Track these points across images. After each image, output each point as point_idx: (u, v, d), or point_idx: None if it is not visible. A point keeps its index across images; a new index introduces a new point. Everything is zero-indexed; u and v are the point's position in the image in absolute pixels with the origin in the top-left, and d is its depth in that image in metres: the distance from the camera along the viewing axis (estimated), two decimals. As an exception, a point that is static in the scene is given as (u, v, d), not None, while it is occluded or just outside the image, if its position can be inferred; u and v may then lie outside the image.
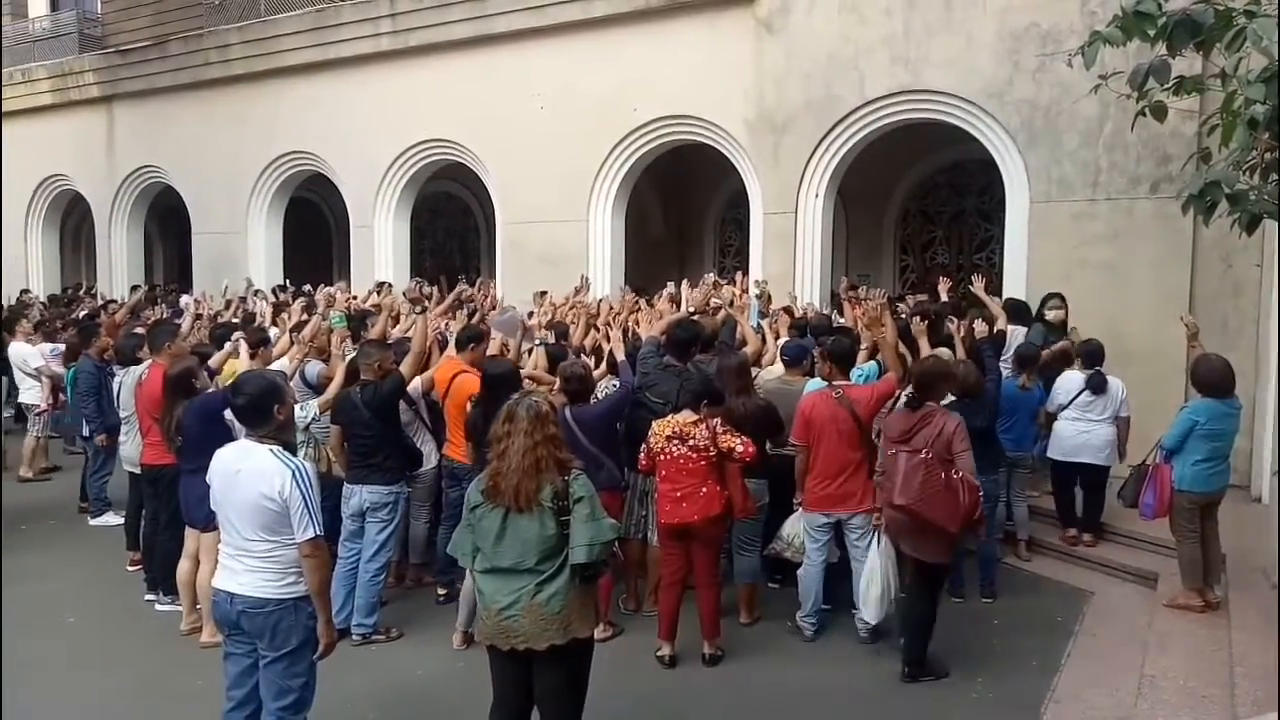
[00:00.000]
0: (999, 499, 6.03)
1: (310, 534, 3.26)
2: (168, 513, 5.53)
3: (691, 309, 6.70)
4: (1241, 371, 5.62)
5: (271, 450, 3.29)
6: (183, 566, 5.25)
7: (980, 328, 6.44)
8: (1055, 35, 7.99)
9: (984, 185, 11.02)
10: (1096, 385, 6.36)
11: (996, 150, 8.61)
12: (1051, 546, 6.60)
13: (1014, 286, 8.32)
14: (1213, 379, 5.29)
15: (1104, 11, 7.35)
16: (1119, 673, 4.73)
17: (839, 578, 5.44)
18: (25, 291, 14.60)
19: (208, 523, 4.49)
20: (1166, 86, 3.29)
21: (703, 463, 4.74)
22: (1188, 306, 7.39)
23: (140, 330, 7.36)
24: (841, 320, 7.33)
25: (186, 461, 4.89)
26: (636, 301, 7.79)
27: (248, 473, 3.26)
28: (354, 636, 5.10)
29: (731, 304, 7.33)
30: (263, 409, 3.33)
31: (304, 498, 3.24)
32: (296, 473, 3.25)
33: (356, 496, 5.16)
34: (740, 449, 4.73)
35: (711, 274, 9.29)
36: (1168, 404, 6.47)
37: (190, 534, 5.15)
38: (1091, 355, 6.51)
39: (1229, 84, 2.95)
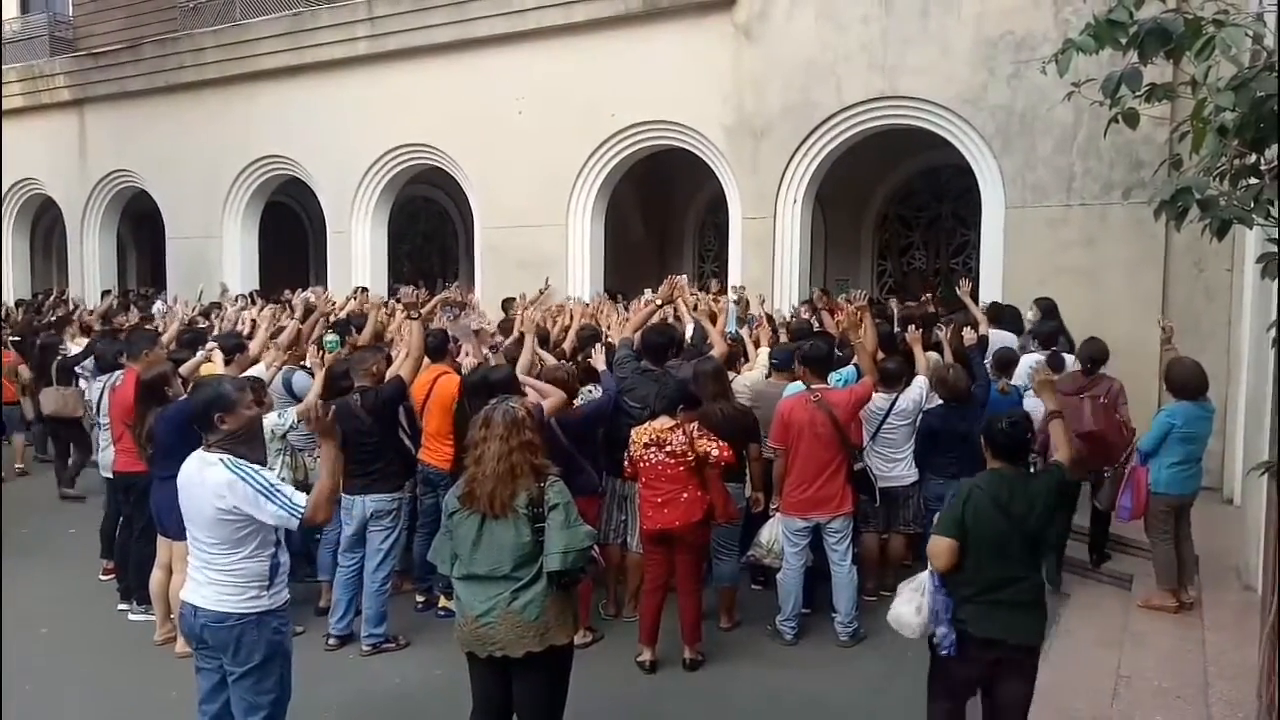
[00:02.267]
0: None
1: (281, 510, 3.14)
2: (141, 521, 5.46)
3: (658, 301, 6.62)
4: (1214, 374, 5.70)
5: (222, 460, 3.20)
6: (155, 576, 5.18)
7: (969, 335, 6.49)
8: (1029, 42, 8.08)
9: (961, 191, 11.12)
10: (1055, 364, 6.32)
11: (972, 156, 8.69)
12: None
13: (990, 291, 8.39)
14: (1187, 381, 5.36)
15: (1077, 19, 7.44)
16: (1095, 673, 4.77)
17: (818, 581, 5.45)
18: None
19: (180, 531, 4.41)
20: (1138, 94, 3.33)
21: (681, 468, 4.74)
22: (1161, 310, 7.49)
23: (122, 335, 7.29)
24: (819, 326, 7.36)
25: (158, 469, 4.82)
26: (602, 305, 7.73)
27: (204, 485, 3.19)
28: (364, 646, 5.07)
29: (695, 308, 7.28)
30: (205, 417, 3.26)
31: (256, 487, 3.14)
32: (241, 475, 3.15)
33: (359, 506, 5.08)
34: (716, 453, 4.73)
35: (682, 277, 9.29)
36: (1143, 407, 6.54)
37: (163, 543, 5.08)
38: (1048, 336, 6.57)
39: (1199, 91, 2.99)
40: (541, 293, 8.96)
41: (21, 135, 15.16)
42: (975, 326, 6.70)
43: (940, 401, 5.75)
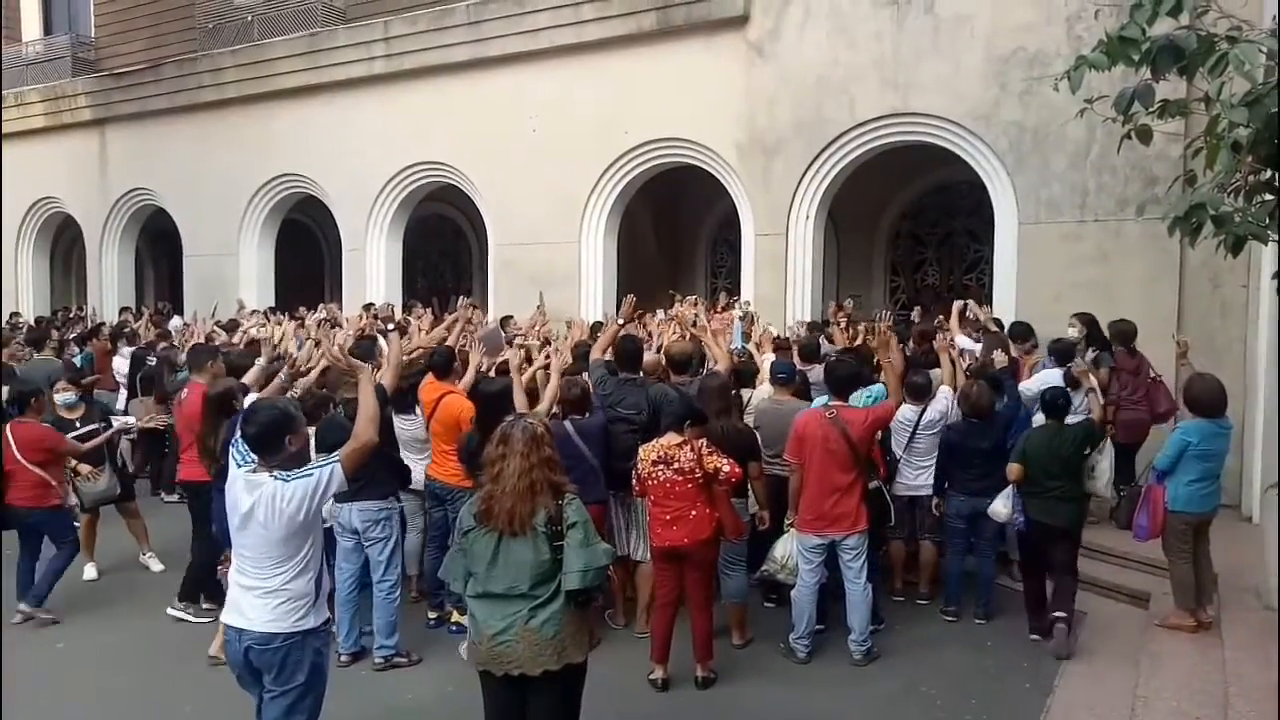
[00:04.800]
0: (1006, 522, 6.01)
1: (326, 467, 3.22)
2: (202, 527, 5.52)
3: (620, 321, 6.65)
4: (1232, 392, 5.64)
5: (274, 476, 3.20)
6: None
7: (999, 357, 6.50)
8: (1042, 59, 8.09)
9: (973, 207, 11.12)
10: (1072, 382, 6.36)
11: (985, 172, 8.69)
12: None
13: (1004, 307, 8.37)
14: (1205, 398, 5.31)
15: (1090, 36, 7.44)
16: (1112, 693, 4.72)
17: (833, 599, 5.42)
18: (15, 314, 14.56)
19: None
20: (1151, 110, 3.34)
21: (690, 485, 4.71)
22: (1176, 327, 7.44)
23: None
24: (830, 344, 7.34)
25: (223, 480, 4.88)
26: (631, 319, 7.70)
27: (261, 506, 3.16)
28: (376, 659, 5.08)
29: (694, 324, 7.28)
30: (274, 439, 3.26)
31: (304, 475, 3.18)
32: (292, 478, 3.18)
33: (347, 515, 5.11)
34: (726, 469, 4.72)
35: (691, 297, 9.33)
36: (1160, 425, 6.48)
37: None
38: (1063, 353, 6.56)
39: (1213, 108, 2.99)
40: (539, 310, 8.96)
41: (43, 154, 15.41)
42: (1006, 349, 6.72)
43: (961, 416, 5.78)
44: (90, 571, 6.62)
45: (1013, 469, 5.35)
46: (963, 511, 5.76)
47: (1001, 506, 5.37)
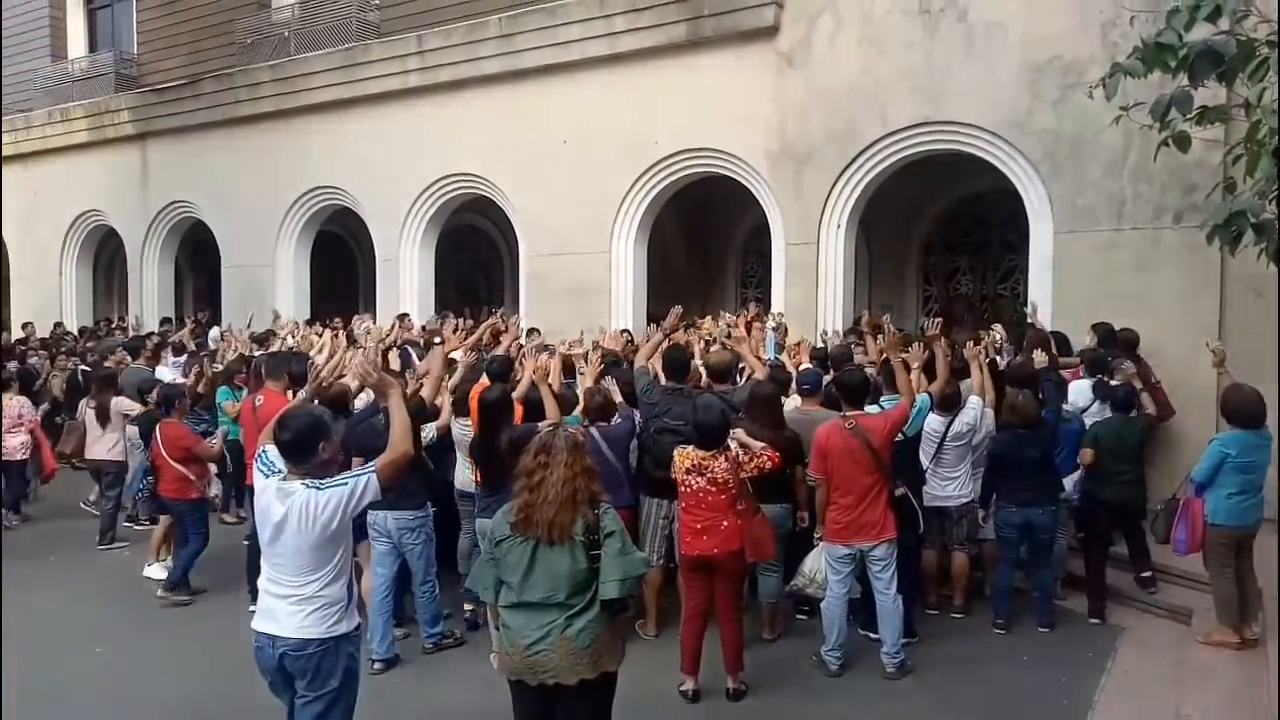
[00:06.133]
0: (1057, 531, 5.98)
1: (362, 476, 3.23)
2: None
3: (665, 330, 6.67)
4: (1272, 403, 5.53)
5: (305, 484, 3.23)
6: None
7: (1040, 358, 6.46)
8: (1077, 66, 8.00)
9: (1007, 216, 10.99)
10: (1104, 394, 6.42)
11: (1019, 181, 8.59)
12: (1085, 581, 6.47)
13: (1040, 317, 8.24)
14: (1244, 409, 5.21)
15: (1125, 43, 7.33)
16: (1154, 712, 4.63)
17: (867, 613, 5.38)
18: (58, 324, 14.93)
19: (360, 532, 5.00)
20: (1189, 116, 3.29)
21: (723, 496, 4.70)
22: (1218, 338, 7.29)
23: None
24: (863, 353, 7.30)
25: None
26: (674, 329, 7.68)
27: (294, 514, 3.19)
28: (426, 645, 5.40)
29: (729, 336, 7.28)
30: (309, 445, 3.29)
31: (339, 484, 3.20)
32: (326, 486, 3.21)
33: (384, 521, 5.24)
34: (763, 458, 4.74)
35: (725, 313, 9.34)
36: (1199, 436, 6.36)
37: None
38: (1095, 363, 6.52)
39: (1253, 114, 2.94)
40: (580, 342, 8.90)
41: (87, 168, 15.77)
42: (1046, 348, 6.65)
43: (1005, 426, 5.76)
44: (157, 571, 6.82)
45: (1085, 454, 6.02)
46: (1014, 522, 5.71)
47: (1067, 483, 6.03)
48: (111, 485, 7.87)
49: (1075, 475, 6.11)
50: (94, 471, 8.09)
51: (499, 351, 6.92)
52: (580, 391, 6.01)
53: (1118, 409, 6.20)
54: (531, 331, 9.60)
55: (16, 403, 7.97)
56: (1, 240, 16.79)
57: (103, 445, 7.75)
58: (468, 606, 5.79)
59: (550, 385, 5.71)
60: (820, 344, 8.21)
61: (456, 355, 6.86)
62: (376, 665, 5.15)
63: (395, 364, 7.18)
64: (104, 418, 7.70)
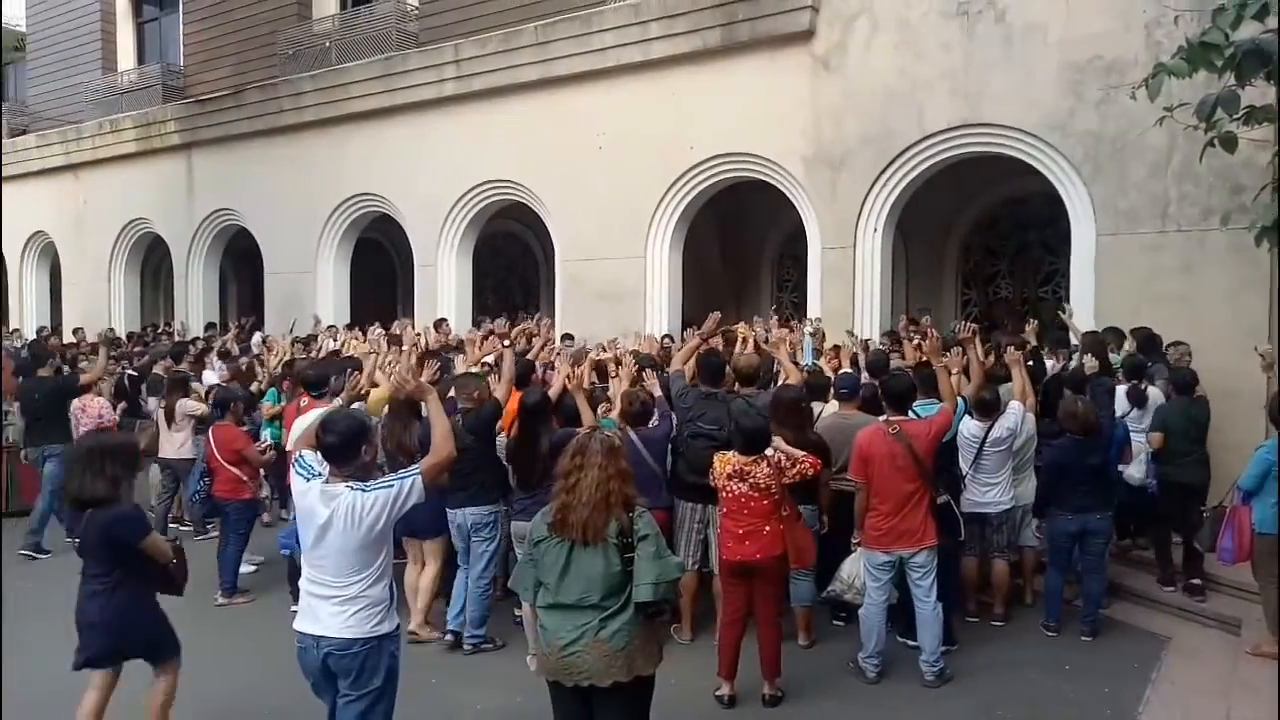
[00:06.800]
0: (1110, 538, 5.91)
1: (407, 479, 3.29)
2: None
3: (703, 335, 6.69)
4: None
5: (350, 486, 3.28)
6: (408, 573, 5.69)
7: (1090, 362, 6.40)
8: (1119, 66, 7.88)
9: (1048, 218, 10.84)
10: (1138, 399, 6.38)
11: (1060, 183, 8.48)
12: (1129, 590, 6.38)
13: (1081, 322, 8.13)
14: (1292, 415, 5.10)
15: (1169, 42, 7.21)
16: (1201, 724, 4.53)
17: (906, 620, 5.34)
18: (109, 330, 15.27)
19: (428, 529, 5.49)
20: (1236, 117, 3.23)
21: (765, 502, 4.69)
22: (1269, 340, 7.12)
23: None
24: (900, 359, 7.24)
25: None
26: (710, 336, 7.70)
27: (340, 516, 3.24)
28: (466, 646, 5.50)
29: (767, 341, 7.27)
30: (353, 448, 3.35)
31: (385, 485, 3.26)
32: (372, 488, 3.27)
33: (460, 517, 5.48)
34: (805, 464, 4.75)
35: (759, 318, 9.33)
36: (1247, 442, 6.21)
37: (411, 542, 5.66)
38: (1134, 369, 6.43)
39: (1302, 113, 2.88)
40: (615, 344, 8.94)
41: (135, 178, 16.17)
42: (1101, 354, 6.60)
43: (1066, 434, 5.70)
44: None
45: (1154, 438, 6.19)
46: (1070, 530, 5.66)
47: (1136, 471, 6.16)
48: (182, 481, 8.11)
49: (1140, 464, 6.15)
50: (162, 468, 8.31)
51: (529, 356, 7.01)
52: (613, 394, 6.05)
53: (1181, 392, 6.27)
54: (565, 338, 9.66)
55: (97, 404, 8.18)
56: (1, 254, 17.62)
57: (171, 444, 7.97)
58: (517, 611, 5.83)
59: (585, 390, 5.74)
60: (847, 343, 8.11)
61: (489, 359, 6.95)
62: (448, 636, 5.57)
63: (427, 374, 7.22)
64: (170, 418, 7.92)
